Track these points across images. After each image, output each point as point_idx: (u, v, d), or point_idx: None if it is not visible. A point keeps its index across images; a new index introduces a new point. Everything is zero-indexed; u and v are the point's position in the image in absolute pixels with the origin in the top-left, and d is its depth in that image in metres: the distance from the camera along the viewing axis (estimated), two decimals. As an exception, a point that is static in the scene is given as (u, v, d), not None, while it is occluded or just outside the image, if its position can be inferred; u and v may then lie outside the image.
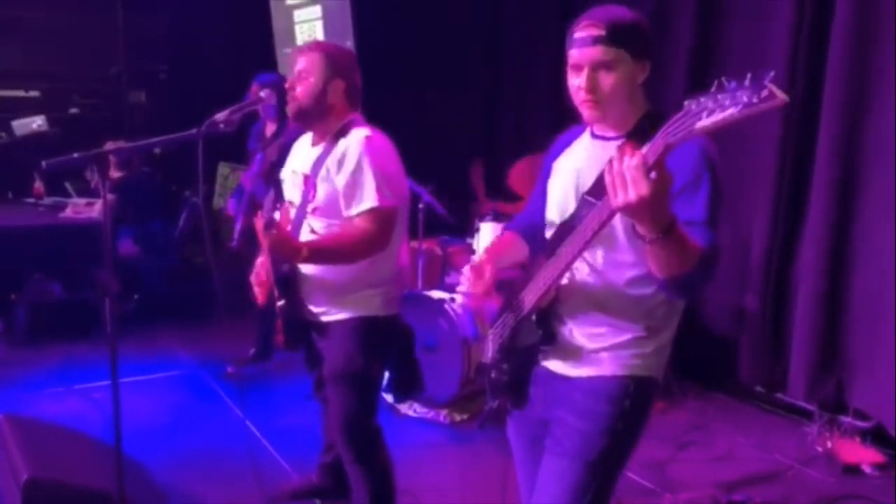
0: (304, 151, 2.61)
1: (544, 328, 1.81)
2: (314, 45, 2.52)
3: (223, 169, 6.96)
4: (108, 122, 6.56)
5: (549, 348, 1.83)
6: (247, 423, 3.69)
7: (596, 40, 1.67)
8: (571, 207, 1.80)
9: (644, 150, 1.39)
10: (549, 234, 1.88)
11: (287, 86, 2.51)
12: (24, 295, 5.10)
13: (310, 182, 2.49)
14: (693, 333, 4.21)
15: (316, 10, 6.28)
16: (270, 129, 4.41)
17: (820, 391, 3.87)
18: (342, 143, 2.45)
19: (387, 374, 2.89)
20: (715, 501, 3.16)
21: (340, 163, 2.42)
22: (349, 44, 5.75)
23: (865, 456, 3.51)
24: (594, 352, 1.80)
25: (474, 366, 3.90)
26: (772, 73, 1.20)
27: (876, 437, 3.65)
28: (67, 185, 6.16)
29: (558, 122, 2.13)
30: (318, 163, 2.48)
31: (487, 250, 1.95)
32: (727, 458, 3.60)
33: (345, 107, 2.52)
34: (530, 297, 1.80)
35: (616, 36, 1.66)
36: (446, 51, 6.24)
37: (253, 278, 2.69)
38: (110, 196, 5.24)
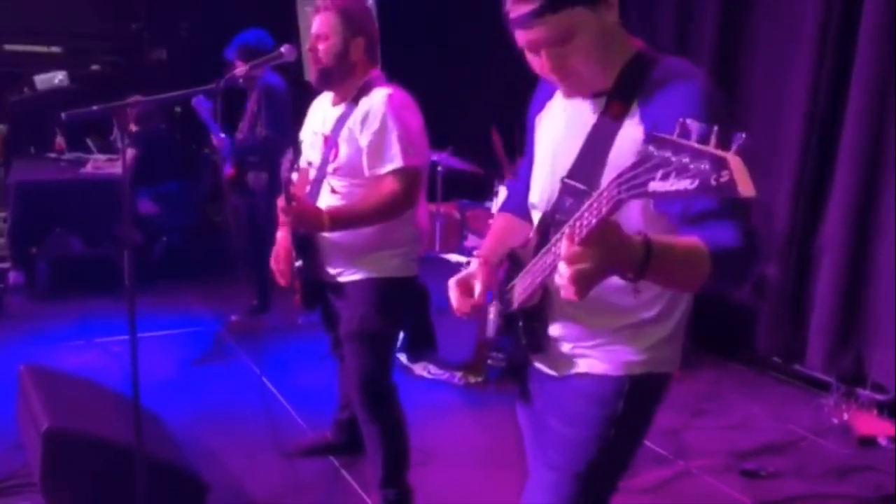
0: (323, 111, 2.59)
1: (529, 337, 1.56)
2: (329, 4, 2.46)
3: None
4: (128, 78, 6.56)
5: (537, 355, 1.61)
6: (263, 379, 3.73)
7: (533, 16, 1.33)
8: (552, 191, 1.51)
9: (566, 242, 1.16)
10: (534, 216, 1.61)
11: (308, 48, 2.48)
12: (45, 249, 5.16)
13: (331, 142, 2.48)
14: (711, 302, 4.17)
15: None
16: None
17: (838, 363, 3.84)
18: (364, 102, 2.43)
19: (401, 335, 2.91)
20: (728, 469, 3.17)
21: (364, 122, 2.40)
22: (369, 2, 5.67)
23: (882, 428, 3.49)
24: (584, 349, 1.56)
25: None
26: (742, 137, 0.94)
27: (893, 409, 3.62)
28: (89, 142, 6.18)
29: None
30: (340, 122, 2.46)
31: (481, 254, 1.67)
32: (741, 427, 3.60)
33: (366, 63, 2.49)
34: (518, 293, 1.55)
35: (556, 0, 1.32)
36: (467, 10, 6.14)
37: (273, 261, 2.69)
38: (130, 150, 5.32)
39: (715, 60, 4.30)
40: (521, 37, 1.39)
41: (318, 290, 2.64)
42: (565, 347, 1.58)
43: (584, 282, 1.15)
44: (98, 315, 4.45)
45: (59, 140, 6.06)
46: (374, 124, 2.39)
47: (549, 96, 1.63)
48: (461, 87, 6.17)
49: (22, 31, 6.54)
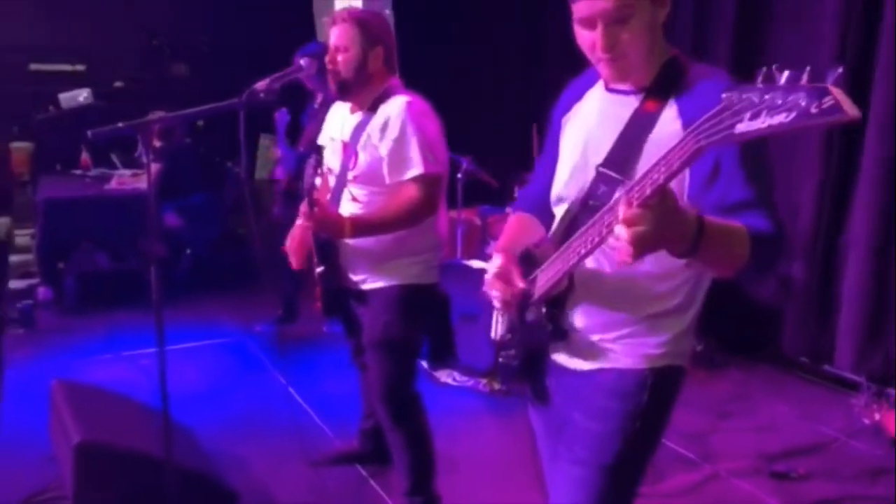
0: (342, 118, 2.61)
1: (554, 323, 1.59)
2: (346, 16, 2.49)
3: (264, 140, 7.00)
4: (151, 94, 6.63)
5: (560, 343, 1.64)
6: (290, 389, 3.75)
7: None
8: (584, 181, 1.55)
9: (625, 202, 1.17)
10: (558, 210, 1.64)
11: (327, 60, 2.50)
12: (73, 265, 5.23)
13: (350, 149, 2.50)
14: (737, 302, 4.14)
15: (354, -21, 6.24)
16: (319, 98, 4.47)
17: (868, 362, 3.78)
18: (383, 110, 2.45)
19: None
20: (757, 472, 3.13)
21: (383, 130, 2.42)
22: (387, 13, 5.71)
23: (914, 428, 3.44)
24: (606, 342, 1.59)
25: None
26: (838, 71, 0.94)
27: (925, 409, 3.57)
28: (113, 157, 6.27)
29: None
30: (359, 130, 2.48)
31: (501, 248, 1.68)
32: (770, 429, 3.56)
33: (384, 72, 2.52)
34: (541, 283, 1.57)
35: None
36: (485, 15, 6.16)
37: (288, 243, 2.70)
38: (155, 165, 5.39)
39: (732, 63, 4.27)
40: (584, 8, 1.44)
41: (338, 297, 2.65)
42: (589, 338, 1.60)
43: (641, 244, 1.16)
44: (126, 328, 4.50)
45: (85, 157, 6.16)
46: (393, 132, 2.40)
47: (578, 97, 1.68)
48: (479, 95, 6.18)
49: (46, 51, 6.65)
